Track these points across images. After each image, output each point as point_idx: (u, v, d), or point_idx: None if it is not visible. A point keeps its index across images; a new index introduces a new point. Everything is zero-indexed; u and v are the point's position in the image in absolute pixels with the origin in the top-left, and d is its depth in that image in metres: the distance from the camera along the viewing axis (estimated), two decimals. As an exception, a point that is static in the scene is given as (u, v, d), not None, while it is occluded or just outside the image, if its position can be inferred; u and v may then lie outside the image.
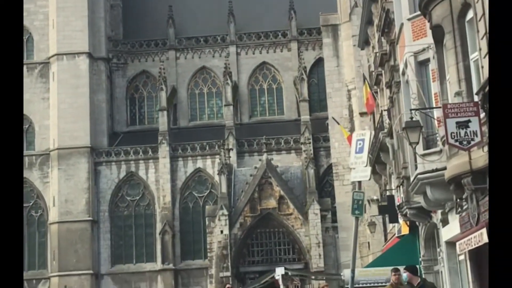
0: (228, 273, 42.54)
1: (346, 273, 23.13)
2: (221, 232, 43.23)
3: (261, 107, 54.72)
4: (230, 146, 48.10)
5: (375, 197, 40.38)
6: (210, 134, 50.72)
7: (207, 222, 44.45)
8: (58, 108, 49.23)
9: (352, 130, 39.15)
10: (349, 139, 33.18)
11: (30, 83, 50.67)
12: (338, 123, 39.06)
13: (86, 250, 47.76)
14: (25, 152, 49.80)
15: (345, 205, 42.54)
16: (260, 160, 45.71)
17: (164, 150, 49.48)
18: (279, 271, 28.77)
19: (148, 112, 54.96)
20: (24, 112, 49.90)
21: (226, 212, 43.36)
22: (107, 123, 51.68)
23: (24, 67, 50.60)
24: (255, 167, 45.13)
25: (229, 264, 42.64)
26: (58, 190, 48.25)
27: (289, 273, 29.74)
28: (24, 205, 49.03)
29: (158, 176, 49.44)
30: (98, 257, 48.73)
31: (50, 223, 48.47)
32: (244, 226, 43.60)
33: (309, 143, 46.37)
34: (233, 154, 48.15)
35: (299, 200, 44.08)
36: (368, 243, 41.00)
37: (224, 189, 44.38)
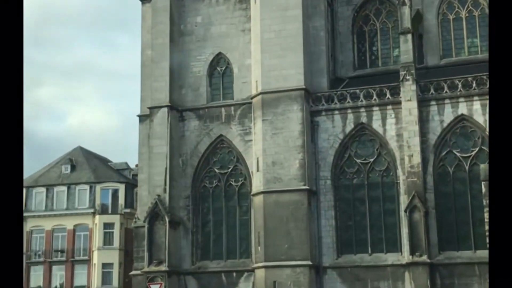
0: (527, 270, 26.04)
1: None
2: (509, 203, 26.89)
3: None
4: (514, 76, 31.39)
5: None
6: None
7: (483, 189, 28.35)
8: (261, 38, 36.19)
9: None
10: None
11: (226, 11, 38.56)
12: None
13: (302, 232, 33.99)
14: (221, 102, 37.90)
15: None
16: None
17: (408, 90, 34.13)
18: None
19: (383, 50, 40.18)
20: (219, 50, 38.23)
21: (516, 172, 26.99)
22: (327, 59, 37.65)
23: (219, -7, 38.91)
24: None
25: (526, 254, 26.15)
26: (263, 149, 35.15)
27: None
28: (221, 171, 37.16)
29: (400, 128, 34.24)
30: (319, 243, 34.73)
31: (253, 194, 35.53)
32: (548, 194, 26.83)
33: None
34: (517, 89, 31.40)
35: None
36: None
37: (509, 137, 27.97)
